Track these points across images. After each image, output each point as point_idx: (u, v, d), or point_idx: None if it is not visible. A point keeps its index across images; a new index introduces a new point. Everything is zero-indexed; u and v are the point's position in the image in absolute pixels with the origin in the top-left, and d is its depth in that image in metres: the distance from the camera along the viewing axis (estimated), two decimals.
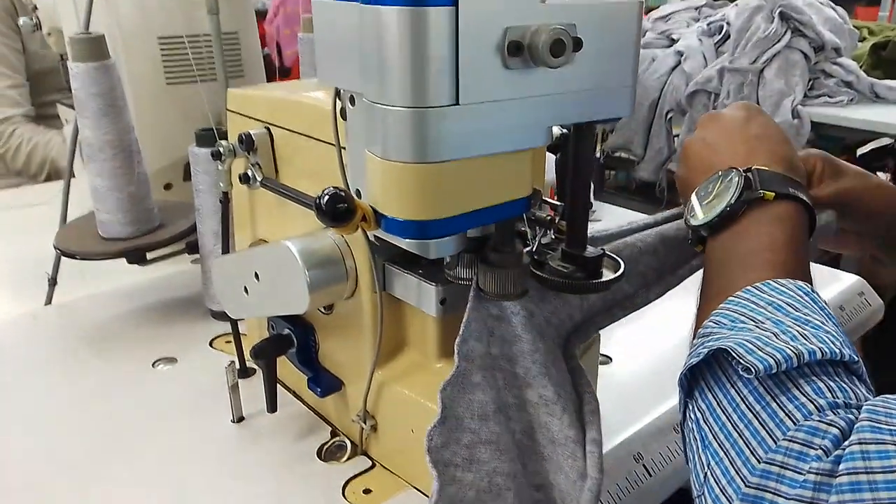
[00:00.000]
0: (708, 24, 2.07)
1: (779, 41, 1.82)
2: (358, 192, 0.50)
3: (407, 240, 0.45)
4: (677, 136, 2.12)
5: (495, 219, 0.47)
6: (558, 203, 0.55)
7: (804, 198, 0.50)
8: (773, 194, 0.49)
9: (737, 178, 0.50)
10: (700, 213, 0.52)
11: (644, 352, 0.82)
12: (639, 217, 0.66)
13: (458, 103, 0.41)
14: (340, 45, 0.46)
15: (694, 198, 0.54)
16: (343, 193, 0.45)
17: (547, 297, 0.56)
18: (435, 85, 0.40)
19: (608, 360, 0.79)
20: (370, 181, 0.46)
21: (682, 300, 0.89)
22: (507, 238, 0.50)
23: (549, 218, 0.53)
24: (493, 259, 0.50)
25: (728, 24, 2.00)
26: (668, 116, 2.08)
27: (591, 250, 0.52)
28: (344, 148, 0.53)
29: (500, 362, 0.53)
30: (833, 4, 1.95)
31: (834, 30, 1.86)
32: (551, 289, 0.51)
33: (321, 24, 0.47)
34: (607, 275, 0.52)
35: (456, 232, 0.46)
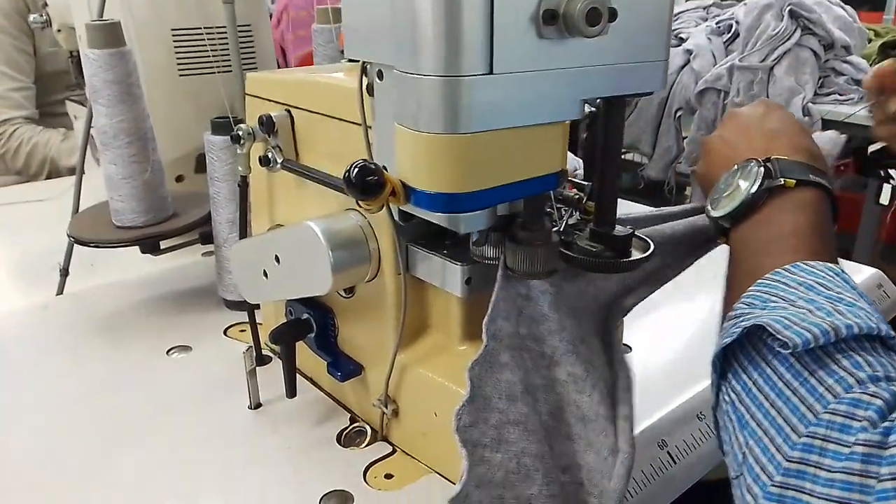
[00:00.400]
0: (717, 23, 2.06)
1: (788, 39, 1.81)
2: (385, 169, 0.49)
3: (437, 213, 0.45)
4: (685, 137, 2.12)
5: (526, 193, 0.47)
6: (585, 182, 0.54)
7: (825, 184, 0.50)
8: (794, 181, 0.49)
9: (756, 168, 0.50)
10: (721, 204, 0.52)
11: (664, 341, 0.81)
12: (655, 209, 0.65)
13: (492, 72, 0.41)
14: (371, 16, 0.45)
15: (714, 191, 0.54)
16: (373, 166, 0.44)
17: (578, 274, 0.55)
18: (469, 53, 0.40)
19: (628, 349, 0.78)
20: (399, 154, 0.45)
21: (701, 290, 0.89)
22: (536, 215, 0.49)
23: (577, 197, 0.53)
24: (521, 237, 0.49)
25: (737, 22, 1.99)
26: (677, 115, 2.08)
27: (619, 229, 0.51)
28: (370, 127, 0.52)
29: (527, 342, 0.52)
30: (842, 3, 1.95)
31: (843, 28, 1.86)
32: (580, 268, 0.51)
33: None
34: (636, 255, 0.52)
35: (487, 206, 0.45)
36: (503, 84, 0.41)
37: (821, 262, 0.44)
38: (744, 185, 0.51)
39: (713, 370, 0.45)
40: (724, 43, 2.02)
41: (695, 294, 0.90)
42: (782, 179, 0.49)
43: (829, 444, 0.36)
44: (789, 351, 0.39)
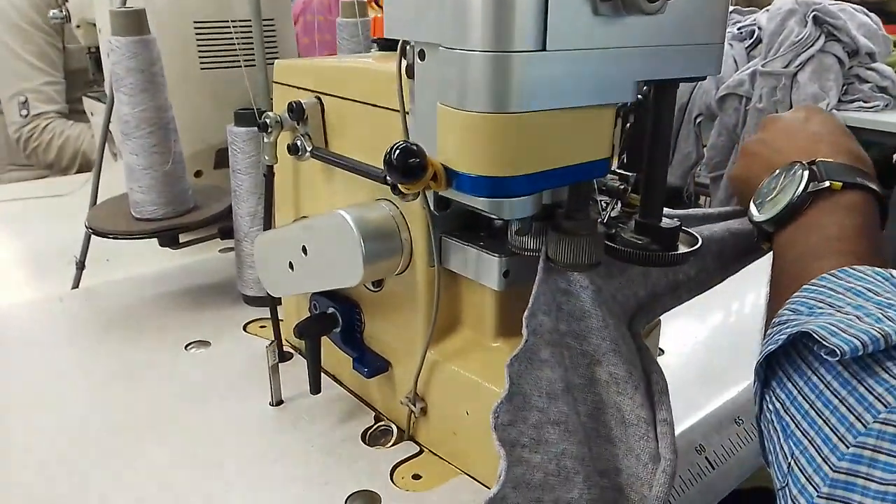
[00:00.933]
0: (738, 29, 2.04)
1: (812, 45, 1.79)
2: None
3: (481, 198, 0.43)
4: (705, 144, 2.09)
5: (574, 179, 0.44)
6: (629, 174, 0.52)
7: (873, 186, 0.49)
8: (841, 184, 0.48)
9: (801, 171, 0.49)
10: (765, 208, 0.51)
11: (698, 344, 0.78)
12: (691, 210, 0.63)
13: (545, 49, 0.38)
14: None
15: (758, 194, 0.53)
16: (415, 147, 0.42)
17: (613, 274, 0.53)
18: (521, 28, 0.38)
19: (661, 352, 0.76)
20: (442, 136, 0.43)
21: (737, 292, 0.86)
22: (581, 203, 0.47)
23: (622, 188, 0.51)
24: (566, 226, 0.47)
25: (759, 28, 1.97)
26: (698, 121, 2.05)
27: (667, 221, 0.49)
28: (407, 112, 0.50)
29: (567, 339, 0.50)
30: (867, 11, 1.92)
31: (868, 35, 1.83)
32: (626, 261, 0.48)
33: None
34: (682, 249, 0.50)
35: (533, 192, 0.43)
36: (556, 62, 0.39)
37: (869, 267, 0.42)
38: (789, 188, 0.49)
39: (756, 378, 0.44)
40: (746, 49, 1.99)
41: (730, 296, 0.88)
42: (828, 182, 0.48)
43: (879, 455, 0.34)
44: (837, 359, 0.37)
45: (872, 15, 1.93)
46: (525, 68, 0.39)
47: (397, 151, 0.42)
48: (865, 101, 1.80)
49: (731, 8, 2.32)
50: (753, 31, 2.00)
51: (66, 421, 0.65)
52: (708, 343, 0.79)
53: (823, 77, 1.79)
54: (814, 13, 1.82)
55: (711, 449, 0.62)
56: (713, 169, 2.02)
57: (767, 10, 1.99)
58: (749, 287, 0.85)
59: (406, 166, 0.42)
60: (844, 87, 1.83)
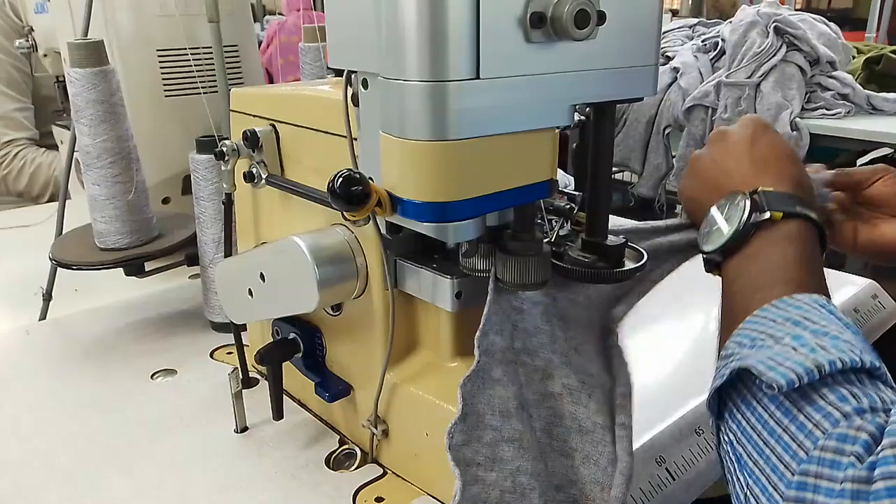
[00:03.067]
0: (702, 41, 2.08)
1: (774, 55, 1.82)
2: (371, 180, 0.48)
3: (425, 224, 0.43)
4: (674, 155, 2.12)
5: (516, 202, 0.45)
6: (576, 193, 0.53)
7: (812, 216, 0.50)
8: (781, 214, 0.49)
9: (744, 202, 0.50)
10: (711, 239, 0.52)
11: (661, 355, 0.79)
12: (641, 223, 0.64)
13: (478, 77, 0.39)
14: (355, 23, 0.44)
15: (704, 224, 0.54)
16: (358, 175, 0.43)
17: (567, 284, 0.54)
18: (455, 57, 0.39)
19: None
20: (386, 164, 0.44)
21: (697, 307, 0.88)
22: (526, 224, 0.48)
23: (568, 207, 0.52)
24: (512, 247, 0.48)
25: (723, 40, 2.01)
26: (666, 132, 2.08)
27: (612, 239, 0.50)
28: (355, 139, 0.51)
29: (522, 357, 0.51)
30: (826, 20, 1.97)
31: (828, 44, 1.88)
32: (573, 279, 0.49)
33: (334, 4, 0.45)
34: (629, 265, 0.51)
35: (476, 215, 0.44)
36: (490, 89, 0.40)
37: (807, 295, 0.44)
38: (733, 218, 0.50)
39: (709, 412, 0.45)
40: (711, 60, 2.03)
41: (692, 308, 0.89)
42: (769, 213, 0.49)
43: (821, 482, 0.36)
44: (776, 392, 0.39)
45: (832, 24, 1.98)
46: (460, 96, 0.40)
47: (340, 180, 0.43)
48: (828, 109, 1.84)
49: (696, 21, 2.37)
50: (717, 43, 2.04)
51: (30, 453, 0.65)
52: (672, 353, 0.80)
53: (786, 86, 1.82)
54: (775, 24, 1.86)
55: (672, 460, 0.63)
56: None
57: (731, 22, 2.03)
58: (710, 299, 0.86)
59: (349, 194, 0.43)
60: (807, 96, 1.86)
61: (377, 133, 0.45)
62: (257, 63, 1.16)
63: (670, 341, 0.83)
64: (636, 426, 0.65)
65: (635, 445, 0.63)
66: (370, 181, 0.47)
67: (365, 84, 0.46)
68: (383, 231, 0.53)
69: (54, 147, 1.79)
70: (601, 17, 0.41)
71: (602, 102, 0.46)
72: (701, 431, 0.66)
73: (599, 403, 0.49)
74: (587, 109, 0.49)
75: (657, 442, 0.64)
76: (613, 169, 2.53)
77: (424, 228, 0.44)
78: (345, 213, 0.45)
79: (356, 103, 0.49)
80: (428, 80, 0.39)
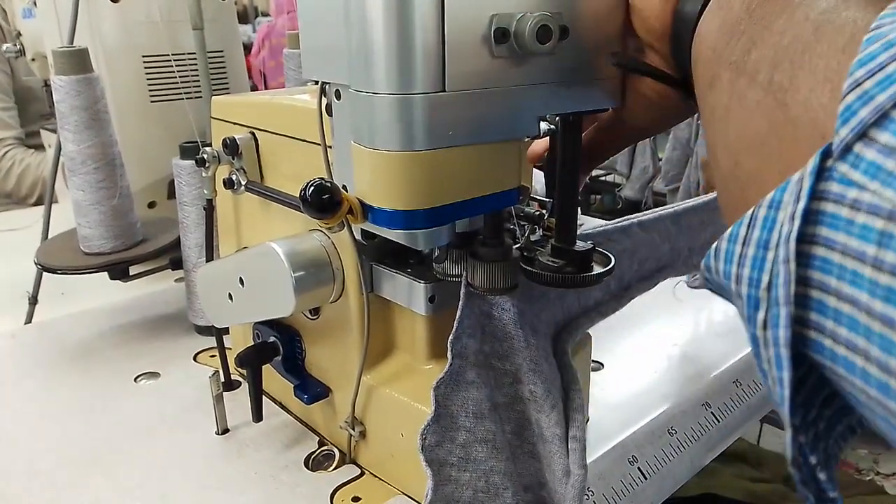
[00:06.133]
0: None
1: None
2: (345, 188, 0.49)
3: (395, 231, 0.45)
4: (661, 158, 2.14)
5: (485, 210, 0.47)
6: (547, 199, 0.54)
7: None
8: None
9: None
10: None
11: (635, 358, 0.81)
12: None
13: (444, 90, 0.41)
14: (326, 36, 0.45)
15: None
16: (329, 184, 0.44)
17: (534, 297, 0.55)
18: (421, 71, 0.40)
19: (600, 366, 0.78)
20: (357, 173, 0.45)
21: (670, 310, 0.89)
22: (495, 231, 0.49)
23: (537, 214, 0.53)
24: (481, 253, 0.49)
25: None
26: (653, 136, 2.10)
27: (580, 244, 0.51)
28: (330, 147, 0.52)
29: (491, 360, 0.52)
30: None
31: None
32: (540, 283, 0.51)
33: (306, 17, 0.47)
34: (597, 269, 0.52)
35: (444, 223, 0.45)
36: (457, 102, 0.41)
37: None
38: None
39: None
40: None
41: (662, 314, 0.91)
42: None
43: None
44: None
45: None
46: (427, 109, 0.41)
47: (311, 188, 0.44)
48: None
49: None
50: None
51: (13, 457, 0.66)
52: (644, 357, 0.81)
53: None
54: None
55: (644, 459, 0.64)
56: (670, 181, 2.06)
57: None
58: (684, 305, 0.88)
59: (320, 202, 0.44)
60: None
61: (349, 142, 0.46)
62: (243, 69, 1.17)
63: (640, 346, 0.84)
64: (609, 428, 0.67)
65: (608, 445, 0.65)
66: (343, 189, 0.49)
67: (338, 95, 0.47)
68: (358, 237, 0.54)
69: (40, 147, 1.80)
70: (563, 32, 0.42)
71: (567, 114, 0.47)
72: (674, 431, 0.68)
73: (560, 415, 0.51)
74: (556, 119, 0.51)
75: (630, 442, 0.65)
76: (601, 172, 2.55)
77: (394, 235, 0.45)
78: (316, 220, 0.46)
79: (330, 113, 0.50)
80: (396, 93, 0.40)
